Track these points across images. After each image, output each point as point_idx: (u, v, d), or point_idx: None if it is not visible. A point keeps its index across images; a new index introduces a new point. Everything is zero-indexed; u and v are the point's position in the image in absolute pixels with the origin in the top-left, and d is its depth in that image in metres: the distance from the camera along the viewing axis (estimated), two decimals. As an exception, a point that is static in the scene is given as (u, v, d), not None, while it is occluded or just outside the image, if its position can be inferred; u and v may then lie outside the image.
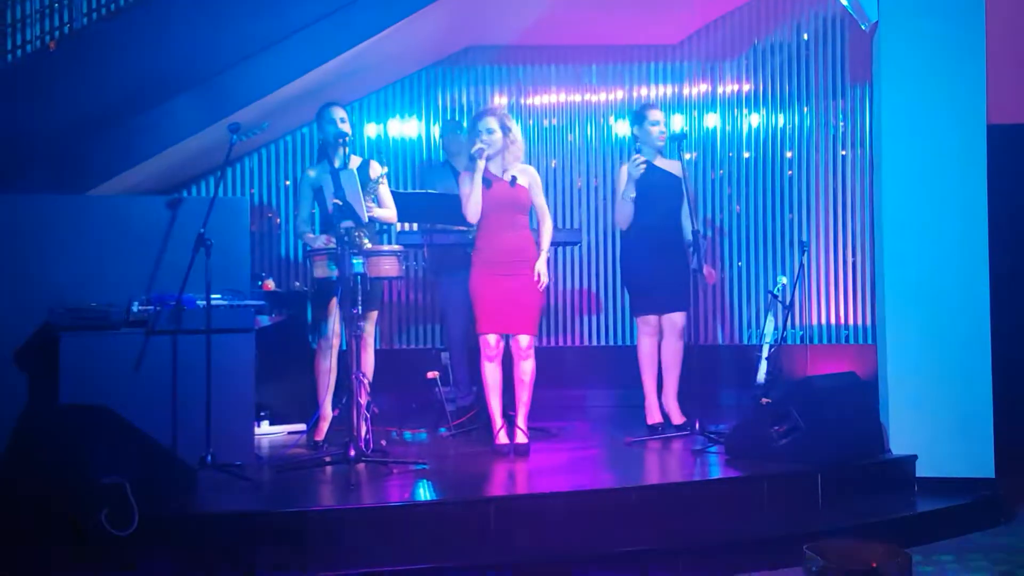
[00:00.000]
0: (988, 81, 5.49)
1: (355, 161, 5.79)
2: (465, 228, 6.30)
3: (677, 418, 6.13)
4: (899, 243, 5.55)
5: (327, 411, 5.85)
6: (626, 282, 6.40)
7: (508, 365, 5.69)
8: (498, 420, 5.64)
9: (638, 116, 6.22)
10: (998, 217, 5.57)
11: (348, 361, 5.26)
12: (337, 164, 5.73)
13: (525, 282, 5.56)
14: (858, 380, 5.77)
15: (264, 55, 6.22)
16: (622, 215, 6.14)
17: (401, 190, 7.22)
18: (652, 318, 6.16)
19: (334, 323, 5.75)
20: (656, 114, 6.16)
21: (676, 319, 6.11)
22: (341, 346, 5.87)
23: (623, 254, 6.34)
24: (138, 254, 5.44)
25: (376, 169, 5.82)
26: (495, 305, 5.54)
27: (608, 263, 7.76)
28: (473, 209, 5.54)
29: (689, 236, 6.03)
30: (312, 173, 5.85)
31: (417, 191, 7.37)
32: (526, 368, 5.59)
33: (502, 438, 5.61)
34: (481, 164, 5.51)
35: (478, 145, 5.53)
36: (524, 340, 5.58)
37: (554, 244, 7.10)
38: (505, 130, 5.60)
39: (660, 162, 6.11)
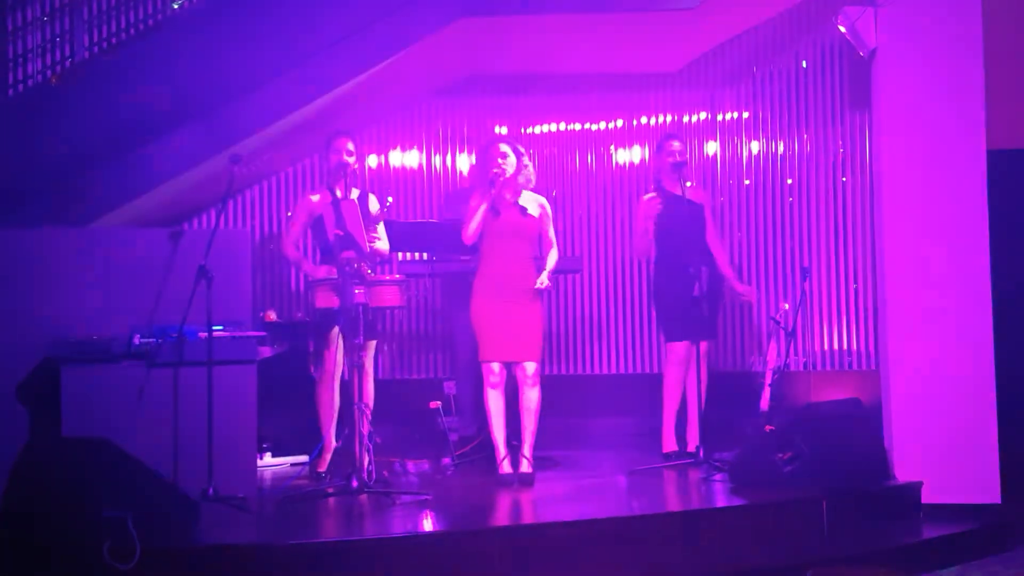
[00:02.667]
0: (987, 106, 5.51)
1: (354, 192, 5.82)
2: (472, 257, 6.31)
3: (693, 445, 6.09)
4: (901, 268, 5.55)
5: (330, 442, 5.84)
6: (659, 309, 6.47)
7: (512, 394, 5.68)
8: (502, 449, 5.61)
9: (659, 146, 6.44)
10: (1000, 241, 5.57)
11: (349, 391, 5.25)
12: (339, 194, 5.75)
13: (528, 310, 5.58)
14: (862, 406, 5.75)
15: (266, 87, 6.25)
16: (639, 247, 6.39)
17: (403, 220, 7.23)
18: (684, 345, 6.14)
19: (335, 353, 5.75)
20: (673, 143, 6.27)
21: (704, 347, 6.10)
22: (343, 376, 5.87)
23: (655, 282, 6.45)
24: (139, 286, 5.43)
25: (375, 203, 5.85)
26: (498, 333, 5.53)
27: (610, 290, 7.76)
28: (471, 232, 5.56)
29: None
30: (314, 198, 5.88)
31: (424, 220, 7.39)
32: (533, 396, 5.58)
33: (506, 468, 5.58)
34: (494, 190, 5.52)
35: (495, 169, 5.54)
36: (531, 367, 5.57)
37: (555, 272, 7.10)
38: (518, 156, 5.63)
39: (681, 190, 6.13)
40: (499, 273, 5.59)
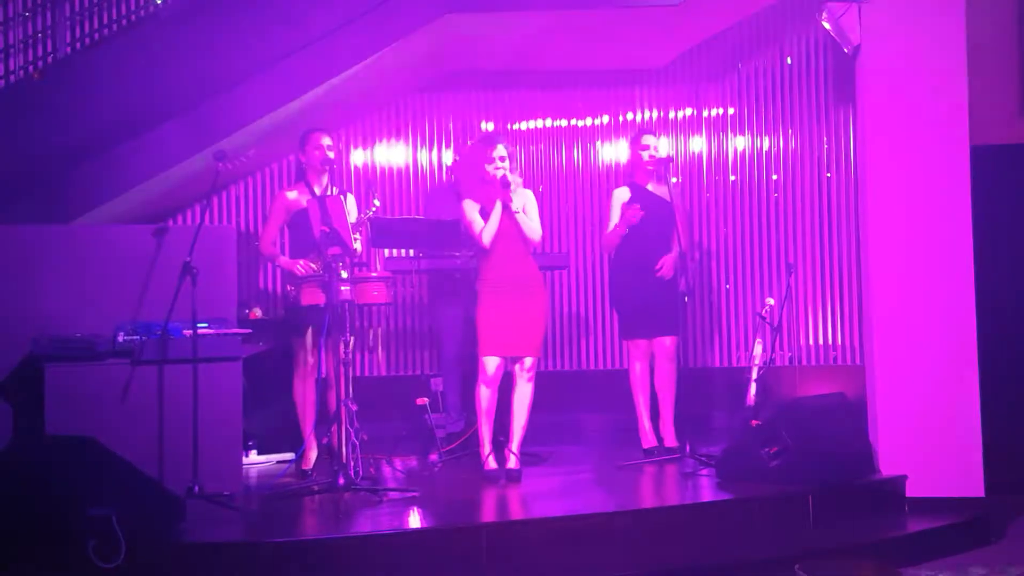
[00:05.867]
0: (970, 101, 5.53)
1: (332, 191, 5.79)
2: (458, 253, 6.29)
3: (670, 441, 6.12)
4: (885, 263, 5.58)
5: (311, 440, 5.82)
6: (615, 306, 6.43)
7: (502, 391, 5.67)
8: (487, 445, 5.60)
9: (632, 141, 6.33)
10: (983, 237, 5.60)
11: (335, 389, 5.25)
12: (319, 191, 5.73)
13: (534, 304, 5.58)
14: (847, 400, 5.77)
15: (250, 82, 6.23)
16: (610, 244, 6.22)
17: (389, 216, 7.22)
18: (642, 342, 6.17)
19: (314, 350, 5.72)
20: (648, 139, 6.23)
21: (666, 343, 6.12)
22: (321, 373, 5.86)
23: (612, 278, 6.38)
24: (123, 283, 5.42)
25: (352, 203, 5.83)
26: (502, 328, 5.50)
27: (596, 286, 7.76)
28: (488, 236, 5.53)
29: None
30: (292, 195, 5.85)
31: (410, 217, 7.38)
32: (526, 391, 5.57)
33: (491, 463, 5.58)
34: (512, 190, 5.51)
35: (502, 172, 5.50)
36: (528, 361, 5.57)
37: (541, 268, 7.10)
38: (513, 156, 5.62)
39: (652, 187, 6.14)
40: (504, 273, 5.56)
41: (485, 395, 5.58)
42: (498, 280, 5.56)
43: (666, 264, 6.09)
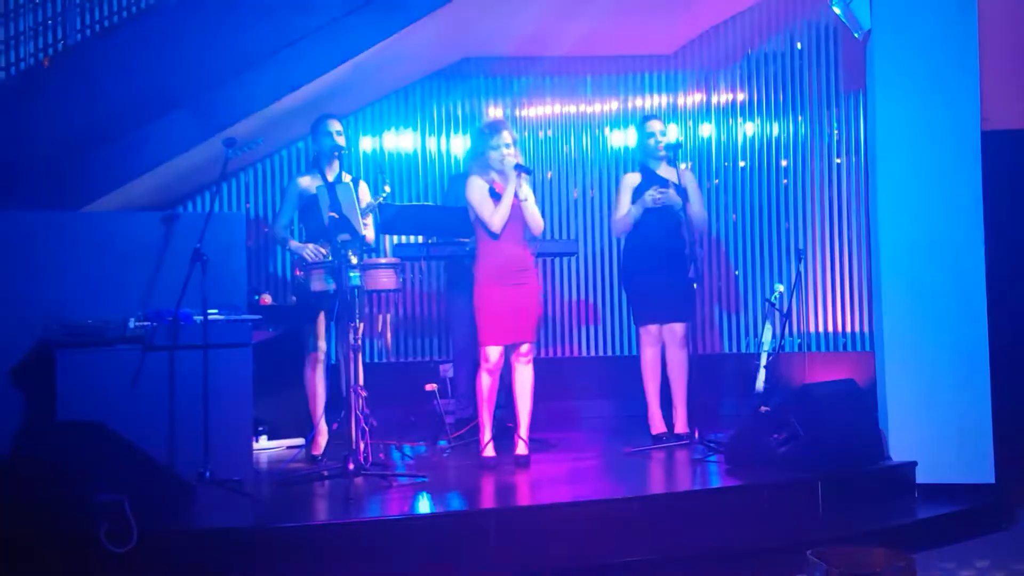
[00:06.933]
0: (981, 88, 5.51)
1: (345, 178, 5.81)
2: (468, 240, 6.29)
3: (681, 427, 6.12)
4: (895, 249, 5.56)
5: (323, 425, 5.84)
6: (627, 292, 6.41)
7: (507, 378, 5.68)
8: (488, 433, 5.60)
9: (639, 128, 6.29)
10: (994, 222, 5.58)
11: (345, 375, 5.26)
12: (331, 177, 5.74)
13: (530, 291, 5.58)
14: (857, 387, 5.76)
15: (259, 69, 6.23)
16: (621, 228, 6.18)
17: (399, 203, 7.22)
18: (653, 328, 6.16)
19: (324, 336, 5.75)
20: (654, 124, 6.20)
21: (677, 329, 6.11)
22: (330, 359, 5.88)
23: (624, 263, 6.37)
24: (134, 270, 5.43)
25: (364, 189, 5.83)
26: (501, 316, 5.51)
27: (605, 273, 7.76)
28: (501, 221, 5.52)
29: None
30: (304, 181, 5.86)
31: (419, 203, 7.38)
32: (527, 374, 5.58)
33: (489, 451, 5.58)
34: (522, 178, 5.52)
35: (510, 157, 5.52)
36: (525, 347, 5.59)
37: (550, 255, 7.10)
38: (516, 143, 5.62)
39: (663, 171, 6.12)
40: (501, 258, 5.56)
41: (487, 383, 5.58)
42: (500, 267, 5.56)
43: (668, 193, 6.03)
